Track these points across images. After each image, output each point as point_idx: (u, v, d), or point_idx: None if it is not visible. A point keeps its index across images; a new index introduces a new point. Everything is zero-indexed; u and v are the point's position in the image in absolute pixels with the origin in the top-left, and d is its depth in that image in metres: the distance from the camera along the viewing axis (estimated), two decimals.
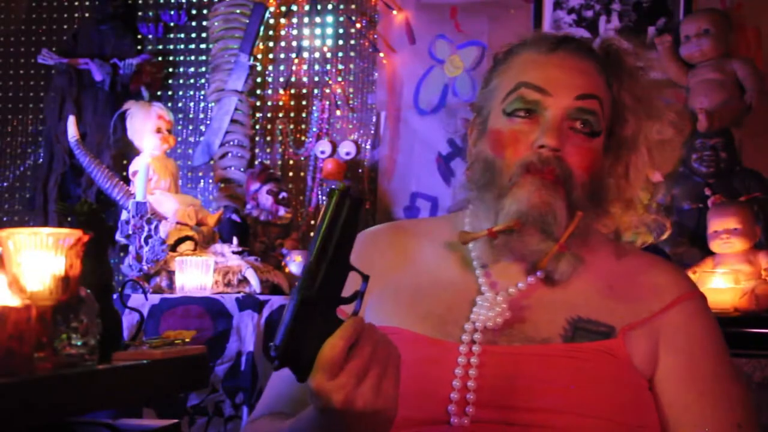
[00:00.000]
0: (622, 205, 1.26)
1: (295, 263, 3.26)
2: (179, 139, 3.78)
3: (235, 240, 3.25)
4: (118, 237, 3.12)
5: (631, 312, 1.20)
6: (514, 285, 1.21)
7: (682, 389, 1.18)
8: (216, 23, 3.75)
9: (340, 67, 3.80)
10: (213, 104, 3.76)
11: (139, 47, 3.92)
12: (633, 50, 1.27)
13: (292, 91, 3.84)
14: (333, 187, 0.97)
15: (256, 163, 3.71)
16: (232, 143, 3.69)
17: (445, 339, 1.18)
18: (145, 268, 3.03)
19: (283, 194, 3.45)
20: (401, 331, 1.16)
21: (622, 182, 1.26)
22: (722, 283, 2.68)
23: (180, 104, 3.91)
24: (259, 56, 3.82)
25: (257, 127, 3.83)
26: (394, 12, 3.73)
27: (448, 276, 1.25)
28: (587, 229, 1.23)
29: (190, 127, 3.90)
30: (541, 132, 1.18)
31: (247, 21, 3.70)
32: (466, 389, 1.13)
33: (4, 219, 3.96)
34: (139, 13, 3.96)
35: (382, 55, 3.74)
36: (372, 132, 3.74)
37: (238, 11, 3.72)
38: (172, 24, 3.95)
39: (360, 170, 3.74)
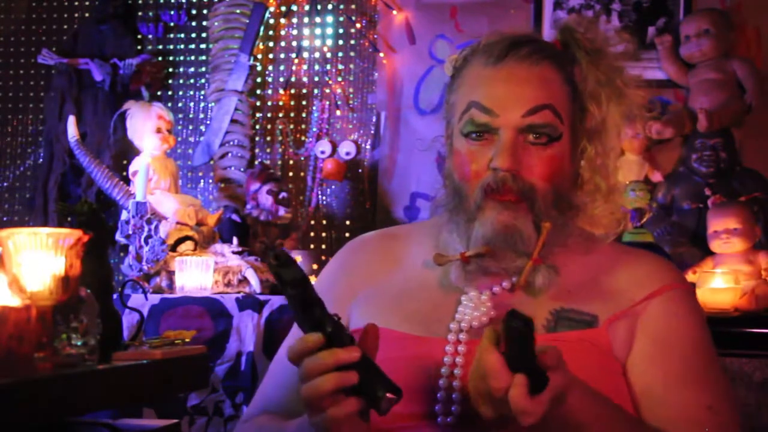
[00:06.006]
0: (604, 192, 1.27)
1: None
2: (179, 139, 3.78)
3: (235, 240, 3.25)
4: (118, 237, 3.12)
5: (615, 303, 1.21)
6: (498, 284, 1.22)
7: (649, 370, 1.19)
8: (216, 23, 3.75)
9: (340, 67, 3.80)
10: (213, 104, 3.76)
11: (139, 47, 3.91)
12: (588, 29, 1.28)
13: (292, 91, 3.83)
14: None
15: (256, 163, 3.71)
16: (232, 143, 3.69)
17: (431, 336, 1.19)
18: (145, 268, 3.03)
19: (283, 194, 3.45)
20: (387, 331, 1.16)
21: (599, 166, 1.26)
22: (722, 283, 2.68)
23: (180, 104, 3.91)
24: (259, 56, 3.81)
25: (257, 127, 3.82)
26: (394, 12, 3.72)
27: (435, 277, 1.26)
28: (564, 231, 1.23)
29: (190, 127, 3.89)
30: (494, 153, 1.19)
31: (247, 21, 3.70)
32: (453, 386, 1.14)
33: (4, 219, 3.95)
34: (139, 13, 3.96)
35: (382, 55, 3.74)
36: (372, 132, 3.74)
37: (238, 11, 3.72)
38: (172, 24, 3.94)
39: (360, 170, 3.74)
